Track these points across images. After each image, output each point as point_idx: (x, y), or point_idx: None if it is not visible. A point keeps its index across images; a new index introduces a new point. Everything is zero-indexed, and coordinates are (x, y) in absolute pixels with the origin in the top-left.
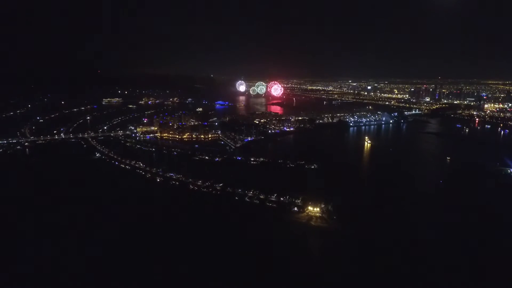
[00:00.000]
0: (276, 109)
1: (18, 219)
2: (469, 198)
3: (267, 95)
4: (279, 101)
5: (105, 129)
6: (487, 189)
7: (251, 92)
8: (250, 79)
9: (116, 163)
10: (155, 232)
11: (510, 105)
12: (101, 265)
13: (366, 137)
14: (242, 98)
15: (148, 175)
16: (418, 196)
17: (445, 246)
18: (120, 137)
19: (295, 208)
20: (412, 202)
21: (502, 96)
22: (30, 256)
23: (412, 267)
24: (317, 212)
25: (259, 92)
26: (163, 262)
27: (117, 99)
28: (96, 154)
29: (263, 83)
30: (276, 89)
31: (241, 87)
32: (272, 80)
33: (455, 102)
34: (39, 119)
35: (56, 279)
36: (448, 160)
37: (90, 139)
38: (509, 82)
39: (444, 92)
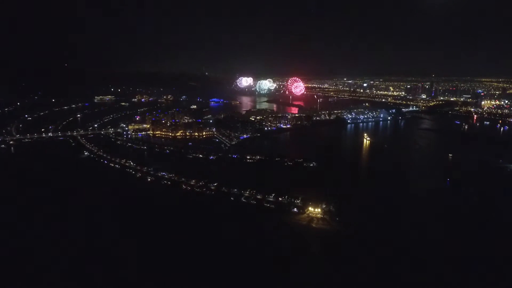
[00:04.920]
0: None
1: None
2: (474, 197)
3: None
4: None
5: (95, 127)
6: (492, 187)
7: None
8: (245, 77)
9: (105, 162)
10: (145, 234)
11: (506, 101)
12: (91, 267)
13: (365, 134)
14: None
15: (139, 175)
16: (423, 195)
17: (454, 247)
18: (111, 135)
19: (295, 209)
20: (417, 202)
21: (497, 93)
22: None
23: (416, 270)
24: (318, 213)
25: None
26: (155, 265)
27: (109, 96)
28: (84, 153)
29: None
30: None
31: (248, 83)
32: (270, 77)
33: (451, 99)
34: (27, 117)
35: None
36: (450, 158)
37: (79, 137)
38: (503, 79)
39: (440, 89)
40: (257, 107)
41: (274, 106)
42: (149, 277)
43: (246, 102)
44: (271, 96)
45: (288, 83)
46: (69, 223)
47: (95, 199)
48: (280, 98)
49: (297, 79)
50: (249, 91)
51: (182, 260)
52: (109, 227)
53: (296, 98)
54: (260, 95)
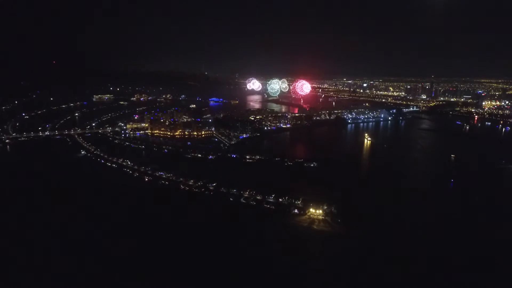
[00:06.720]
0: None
1: None
2: (478, 198)
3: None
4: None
5: (93, 126)
6: (495, 188)
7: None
8: (245, 77)
9: (102, 161)
10: (141, 235)
11: (507, 102)
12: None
13: (366, 134)
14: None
15: (136, 174)
16: (426, 196)
17: (456, 248)
18: (109, 134)
19: (296, 210)
20: (420, 203)
21: (497, 94)
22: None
23: (418, 272)
24: (319, 215)
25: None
26: (153, 266)
27: (108, 95)
28: (81, 152)
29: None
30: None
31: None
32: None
33: (451, 99)
34: (24, 116)
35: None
36: (453, 158)
37: (76, 136)
38: (502, 80)
39: (440, 89)
40: (258, 106)
41: (274, 106)
42: (147, 277)
43: (246, 102)
44: (272, 96)
45: (294, 84)
46: (66, 223)
47: (91, 199)
48: (280, 98)
49: (302, 80)
50: (249, 91)
51: (180, 262)
52: (105, 227)
53: (296, 98)
54: (260, 94)
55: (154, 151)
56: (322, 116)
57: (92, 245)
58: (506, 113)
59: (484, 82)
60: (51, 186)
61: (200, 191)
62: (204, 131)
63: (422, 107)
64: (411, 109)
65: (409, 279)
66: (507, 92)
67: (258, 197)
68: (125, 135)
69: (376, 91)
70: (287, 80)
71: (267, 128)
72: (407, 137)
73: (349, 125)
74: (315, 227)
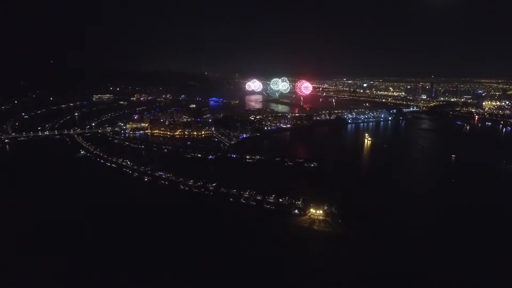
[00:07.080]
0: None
1: None
2: (480, 198)
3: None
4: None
5: (92, 126)
6: (497, 188)
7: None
8: (245, 77)
9: (102, 161)
10: (140, 236)
11: (507, 102)
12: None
13: (366, 134)
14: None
15: (135, 174)
16: (427, 196)
17: (456, 248)
18: (108, 134)
19: (296, 211)
20: (421, 204)
21: (498, 94)
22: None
23: (419, 272)
24: (320, 215)
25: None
26: (152, 266)
27: (108, 95)
28: (80, 152)
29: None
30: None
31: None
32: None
33: (452, 99)
34: (24, 115)
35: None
36: (454, 158)
37: (76, 136)
38: (502, 80)
39: (440, 90)
40: (258, 106)
41: (274, 106)
42: (147, 277)
43: (246, 102)
44: (272, 96)
45: (295, 84)
46: (65, 223)
47: (90, 199)
48: (280, 98)
49: (303, 80)
50: (249, 91)
51: (180, 262)
52: (105, 227)
53: (297, 98)
54: (260, 94)
55: (154, 151)
56: (322, 116)
57: (92, 245)
58: (507, 113)
59: (484, 82)
60: (50, 186)
61: (200, 191)
62: (204, 131)
63: (422, 107)
64: (411, 109)
65: (409, 279)
66: (507, 92)
67: (258, 197)
68: (124, 135)
69: (376, 91)
70: (287, 80)
71: (267, 128)
72: (407, 137)
73: (349, 125)
74: (315, 227)
